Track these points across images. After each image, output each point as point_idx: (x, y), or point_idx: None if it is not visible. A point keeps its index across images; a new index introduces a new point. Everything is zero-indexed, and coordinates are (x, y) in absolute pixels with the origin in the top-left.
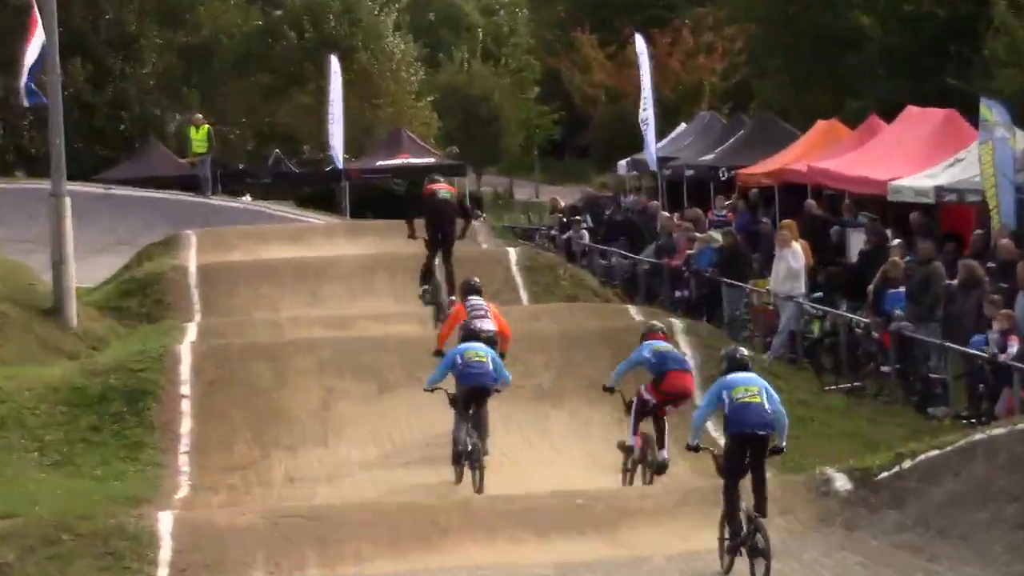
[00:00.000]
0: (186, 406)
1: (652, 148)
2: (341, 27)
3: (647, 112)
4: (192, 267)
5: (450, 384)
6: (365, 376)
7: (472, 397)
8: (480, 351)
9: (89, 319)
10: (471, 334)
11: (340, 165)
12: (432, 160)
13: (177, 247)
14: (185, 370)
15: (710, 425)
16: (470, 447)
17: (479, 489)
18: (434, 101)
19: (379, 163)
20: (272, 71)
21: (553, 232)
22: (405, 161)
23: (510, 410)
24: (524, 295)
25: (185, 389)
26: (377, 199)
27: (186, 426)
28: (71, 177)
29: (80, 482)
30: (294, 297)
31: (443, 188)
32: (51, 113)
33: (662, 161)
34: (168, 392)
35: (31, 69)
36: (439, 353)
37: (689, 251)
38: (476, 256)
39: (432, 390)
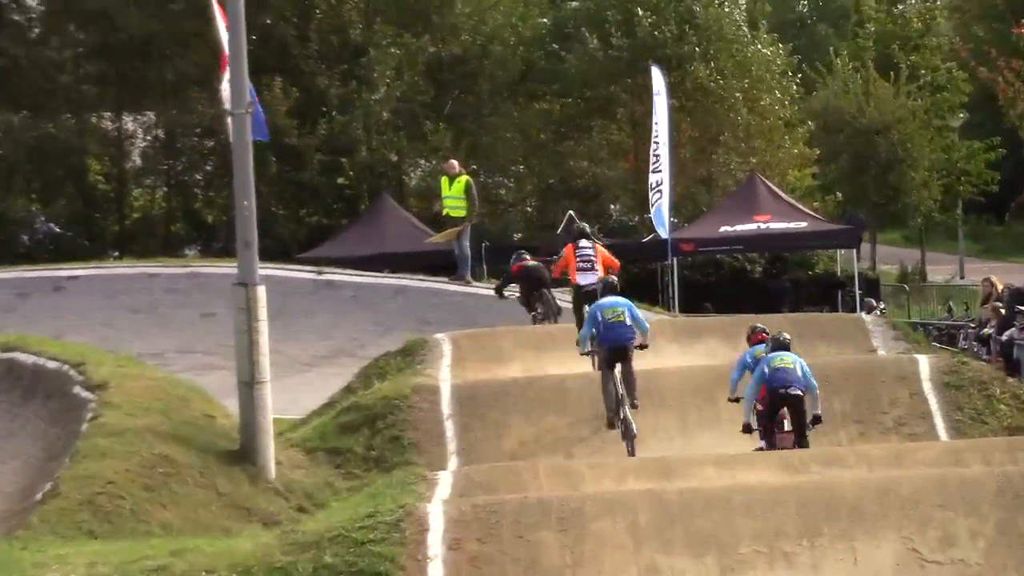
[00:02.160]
0: None
1: None
2: (666, 27)
3: None
4: (445, 388)
5: None
6: (702, 549)
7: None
8: (618, 307)
9: (293, 466)
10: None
11: (666, 233)
12: (804, 224)
13: (423, 358)
14: (435, 542)
15: None
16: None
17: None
18: (809, 134)
19: (723, 229)
20: (563, 95)
21: (987, 331)
22: (763, 226)
23: None
24: (940, 424)
25: (436, 570)
26: (720, 283)
27: None
28: (268, 256)
29: None
30: (596, 432)
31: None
32: (235, 163)
33: None
34: (411, 575)
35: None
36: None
37: None
38: (866, 366)
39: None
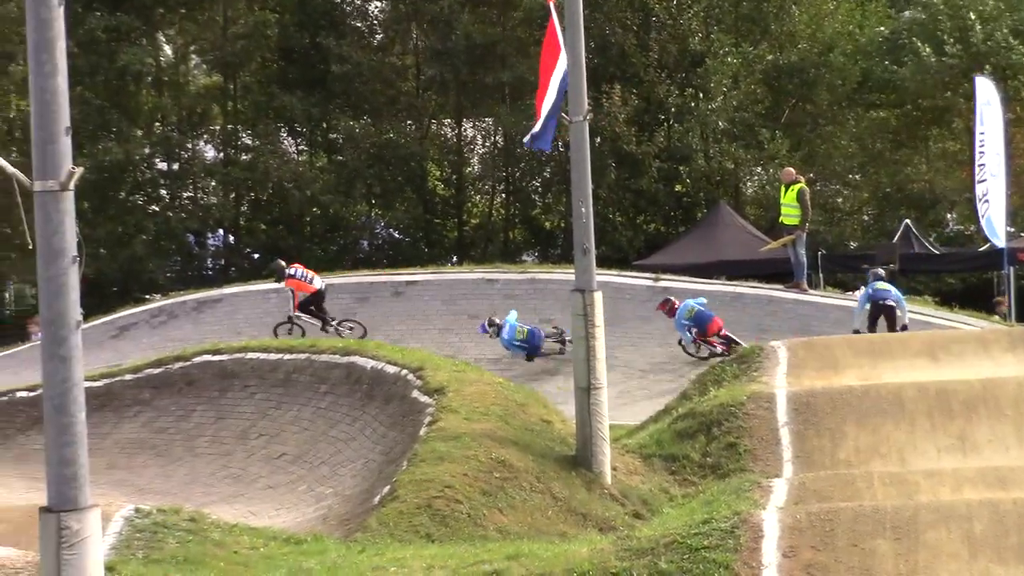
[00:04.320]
0: None
1: None
2: (1000, 35)
3: None
4: (781, 395)
5: None
6: None
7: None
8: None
9: (629, 472)
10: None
11: (1000, 243)
12: None
13: (758, 366)
14: (770, 549)
15: None
16: None
17: None
18: None
19: None
20: (898, 104)
21: None
22: None
23: None
24: None
25: None
26: None
27: None
28: (606, 262)
29: None
30: (931, 441)
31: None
32: (574, 170)
33: None
34: None
35: (551, 110)
36: None
37: None
38: None
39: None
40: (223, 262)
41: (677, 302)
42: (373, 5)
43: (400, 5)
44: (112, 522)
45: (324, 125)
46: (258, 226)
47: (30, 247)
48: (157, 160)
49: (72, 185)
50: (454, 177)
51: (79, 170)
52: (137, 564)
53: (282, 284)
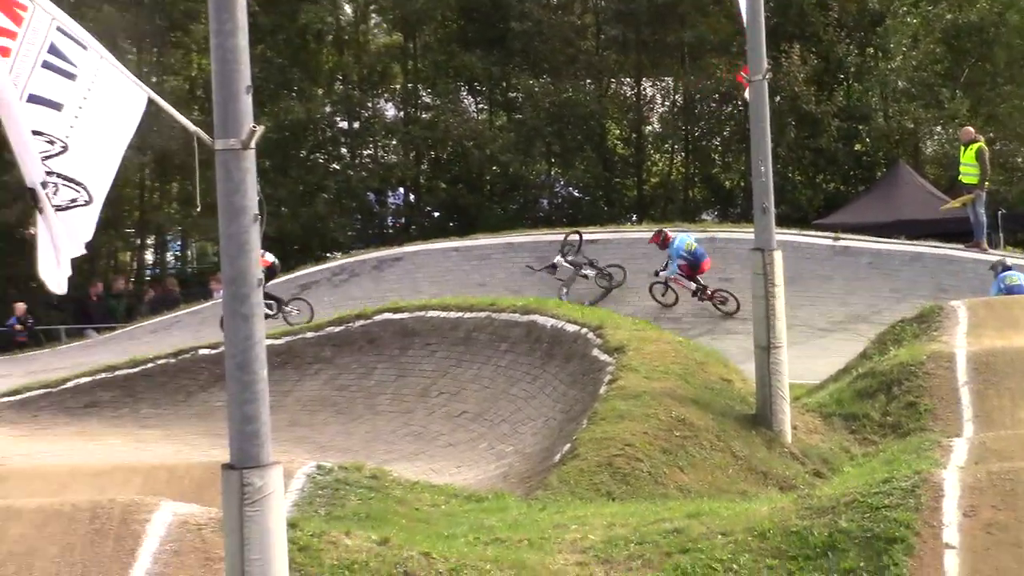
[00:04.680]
0: (951, 561)
1: None
2: None
3: None
4: (961, 355)
5: None
6: None
7: None
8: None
9: (809, 431)
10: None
11: None
12: None
13: (938, 325)
14: (951, 509)
15: None
16: None
17: None
18: None
19: None
20: None
21: None
22: None
23: None
24: None
25: (951, 536)
26: None
27: None
28: (785, 221)
29: None
30: None
31: None
32: (753, 129)
33: None
34: (926, 541)
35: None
36: None
37: None
38: None
39: None
40: (403, 220)
41: (672, 234)
42: None
43: None
44: (294, 479)
45: (504, 84)
46: (438, 185)
47: (198, 208)
48: (338, 119)
49: (253, 143)
50: (633, 136)
51: (260, 128)
52: (319, 520)
53: None
